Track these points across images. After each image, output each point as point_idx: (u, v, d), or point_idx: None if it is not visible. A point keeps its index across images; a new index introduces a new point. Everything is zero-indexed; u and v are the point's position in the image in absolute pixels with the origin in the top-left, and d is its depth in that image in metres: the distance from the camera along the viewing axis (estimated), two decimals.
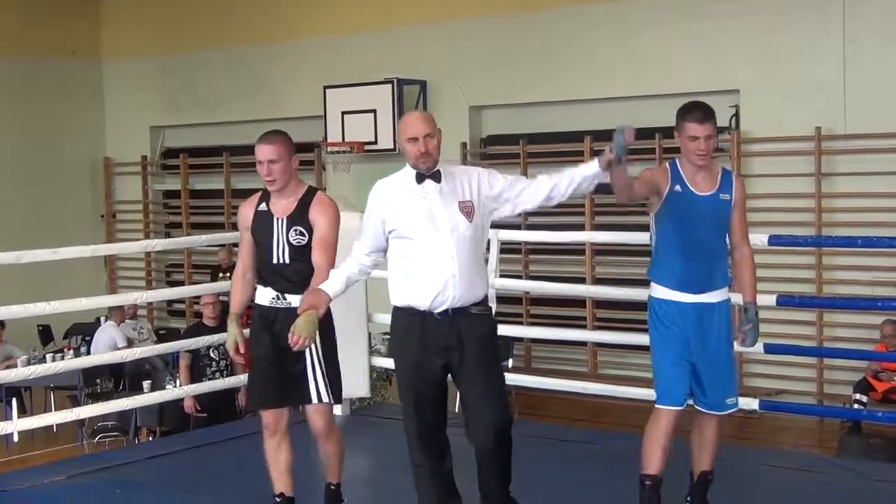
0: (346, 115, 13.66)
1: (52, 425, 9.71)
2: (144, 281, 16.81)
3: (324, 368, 4.65)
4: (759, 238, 8.06)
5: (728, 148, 11.67)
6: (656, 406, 4.76)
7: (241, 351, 4.81)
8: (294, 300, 4.53)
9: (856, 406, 10.24)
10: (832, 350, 10.93)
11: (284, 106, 14.81)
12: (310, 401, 4.67)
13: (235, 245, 15.66)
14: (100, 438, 10.33)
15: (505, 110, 13.51)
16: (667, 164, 4.84)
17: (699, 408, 4.80)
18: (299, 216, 4.65)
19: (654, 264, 4.85)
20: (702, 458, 4.83)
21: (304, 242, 4.63)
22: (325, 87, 13.80)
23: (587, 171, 4.64)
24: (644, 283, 5.06)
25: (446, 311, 4.41)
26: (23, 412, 10.65)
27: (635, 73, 11.99)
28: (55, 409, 10.50)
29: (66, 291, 7.14)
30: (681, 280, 4.70)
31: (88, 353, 11.32)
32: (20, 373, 8.04)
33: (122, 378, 11.27)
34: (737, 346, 4.97)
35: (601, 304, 12.12)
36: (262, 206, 4.74)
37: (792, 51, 11.20)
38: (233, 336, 4.82)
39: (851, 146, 10.96)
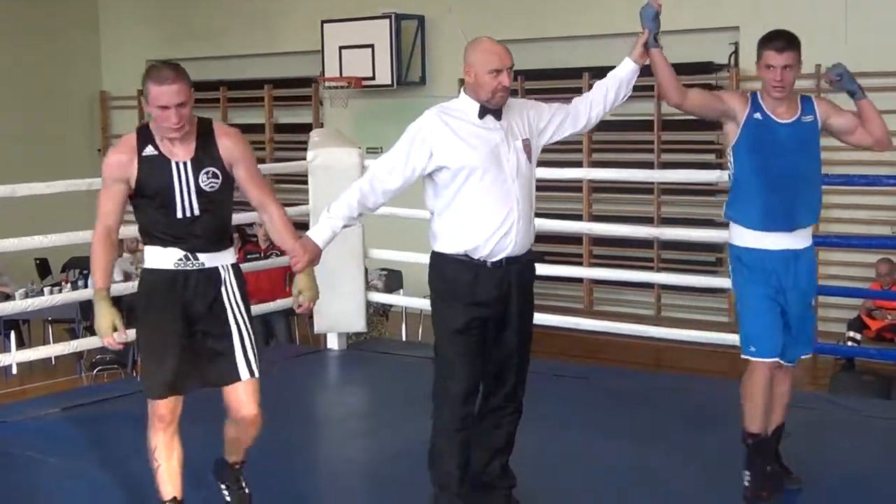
0: (343, 50, 13.63)
1: (51, 358, 9.79)
2: None
3: (251, 337, 3.91)
4: None
5: (727, 85, 11.65)
6: (751, 360, 4.45)
7: (123, 337, 3.81)
8: (207, 259, 3.82)
9: (849, 343, 10.31)
10: (827, 288, 10.95)
11: (283, 40, 14.76)
12: (238, 378, 3.86)
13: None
14: (98, 371, 10.39)
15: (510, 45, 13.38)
16: (748, 92, 4.61)
17: (781, 360, 4.49)
18: (206, 155, 3.81)
19: (733, 201, 4.56)
20: (775, 411, 4.55)
21: (217, 187, 3.80)
22: (323, 22, 13.73)
23: (622, 72, 4.45)
24: (637, 221, 4.97)
25: (501, 260, 4.03)
26: (21, 345, 10.67)
27: (633, 10, 11.85)
28: (53, 342, 10.53)
29: (63, 225, 7.09)
30: (764, 217, 4.40)
31: (86, 286, 11.28)
32: (18, 305, 8.09)
33: (120, 311, 11.26)
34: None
35: (598, 241, 12.13)
36: (150, 150, 3.78)
37: None
38: (109, 317, 3.78)
39: (872, 83, 10.90)
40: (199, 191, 3.75)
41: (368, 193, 4.07)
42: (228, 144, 3.86)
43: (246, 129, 15.95)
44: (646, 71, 4.52)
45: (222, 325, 3.83)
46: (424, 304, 8.45)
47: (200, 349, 3.85)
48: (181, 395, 3.89)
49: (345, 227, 4.10)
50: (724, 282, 10.77)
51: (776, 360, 4.44)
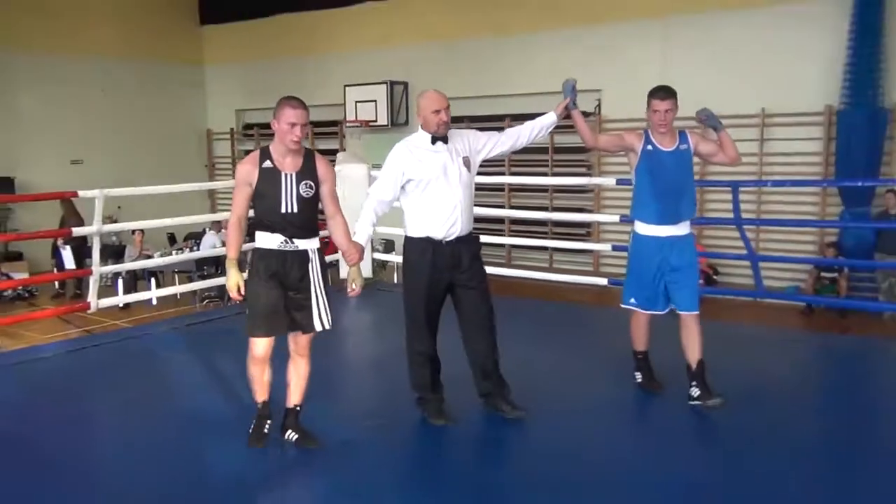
0: (357, 103, 13.64)
1: (177, 294, 9.76)
2: None
3: (325, 302, 3.66)
4: (609, 180, 8.13)
5: (594, 125, 11.68)
6: (634, 309, 4.28)
7: (242, 292, 3.55)
8: (300, 244, 3.57)
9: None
10: (766, 257, 11.08)
11: (320, 97, 14.65)
12: (313, 329, 3.63)
13: None
14: (206, 302, 10.38)
15: (456, 102, 13.32)
16: (641, 130, 4.29)
17: (679, 311, 4.18)
18: (307, 171, 3.57)
19: (636, 206, 4.25)
20: (693, 350, 4.16)
21: (311, 194, 3.56)
22: (345, 86, 13.69)
23: (545, 121, 4.28)
24: (538, 209, 4.87)
25: (452, 240, 3.85)
26: (158, 286, 10.64)
27: (542, 76, 11.91)
28: (178, 284, 10.52)
29: (184, 212, 7.12)
30: (657, 216, 4.14)
31: (199, 249, 11.26)
32: (157, 262, 8.08)
33: (219, 265, 11.27)
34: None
35: (514, 221, 12.19)
36: (267, 164, 3.55)
37: (632, 65, 11.17)
38: (235, 279, 3.53)
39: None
40: (298, 195, 3.52)
41: (377, 207, 3.93)
42: (323, 168, 3.62)
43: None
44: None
45: (308, 292, 3.58)
46: None
47: (290, 305, 3.56)
48: (271, 336, 3.57)
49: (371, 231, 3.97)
50: (591, 245, 10.97)
51: (647, 312, 4.25)
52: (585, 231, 11.99)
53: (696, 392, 4.08)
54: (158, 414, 4.13)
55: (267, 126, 15.85)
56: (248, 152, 16.38)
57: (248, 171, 3.55)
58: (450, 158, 3.87)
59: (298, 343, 3.68)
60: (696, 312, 4.15)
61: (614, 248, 7.33)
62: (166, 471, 3.44)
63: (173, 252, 11.58)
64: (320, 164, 3.62)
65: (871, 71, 9.53)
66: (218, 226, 12.21)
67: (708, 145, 4.29)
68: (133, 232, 11.61)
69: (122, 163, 14.24)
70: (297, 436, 3.67)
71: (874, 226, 9.67)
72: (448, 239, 3.85)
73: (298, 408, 3.72)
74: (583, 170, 11.95)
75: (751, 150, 10.45)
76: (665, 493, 3.18)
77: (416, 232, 3.91)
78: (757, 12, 10.29)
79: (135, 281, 11.20)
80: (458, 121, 13.12)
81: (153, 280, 10.90)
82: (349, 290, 3.77)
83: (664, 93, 4.15)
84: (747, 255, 6.10)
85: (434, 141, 3.87)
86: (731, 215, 6.31)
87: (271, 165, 3.55)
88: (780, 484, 3.21)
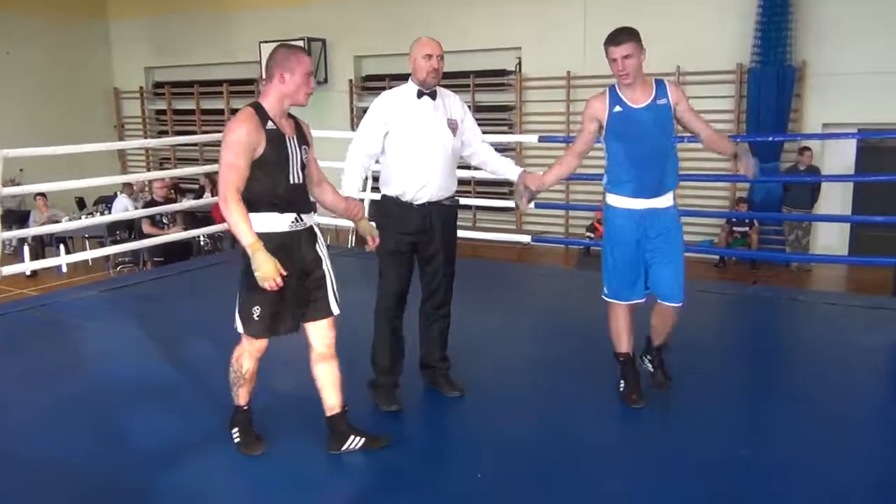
0: None
1: (88, 260, 9.37)
2: (145, 168, 16.09)
3: (334, 281, 3.10)
4: (531, 138, 8.18)
5: (514, 84, 11.71)
6: (611, 301, 3.56)
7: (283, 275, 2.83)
8: (307, 219, 3.01)
9: (587, 239, 10.63)
10: (574, 205, 11.29)
11: (234, 54, 14.21)
12: (331, 313, 3.06)
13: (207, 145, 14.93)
14: (119, 268, 10.02)
15: (376, 59, 13.15)
16: (606, 88, 3.52)
17: (659, 301, 3.52)
18: (300, 134, 3.01)
19: (608, 178, 3.48)
20: (660, 333, 3.65)
21: (306, 160, 3.01)
22: (261, 42, 13.23)
23: (510, 174, 3.76)
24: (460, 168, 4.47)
25: (424, 203, 3.50)
26: (68, 252, 10.20)
27: (461, 34, 11.80)
28: (89, 249, 10.11)
29: (93, 173, 6.77)
30: (634, 189, 3.39)
31: (110, 213, 10.81)
32: (65, 226, 7.72)
33: (132, 230, 10.87)
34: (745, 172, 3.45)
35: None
36: (270, 125, 2.89)
37: (554, 22, 11.19)
38: (272, 263, 2.78)
39: (589, 83, 11.13)
40: (301, 161, 2.96)
41: (363, 161, 3.54)
42: (308, 132, 3.09)
43: (211, 112, 15.52)
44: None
45: (321, 273, 3.04)
46: (331, 221, 8.38)
47: (304, 296, 3.01)
48: (277, 336, 3.03)
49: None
50: (509, 203, 11.04)
51: (629, 303, 3.55)
52: (508, 189, 12.05)
53: (649, 366, 3.75)
54: (71, 384, 3.96)
55: (180, 84, 15.52)
56: (159, 112, 16.00)
57: (253, 132, 2.83)
58: (434, 115, 3.53)
59: (327, 336, 3.09)
60: (680, 304, 3.49)
61: (537, 207, 7.42)
62: (81, 440, 3.31)
63: (83, 216, 11.09)
64: (306, 127, 3.10)
65: (780, 30, 9.82)
66: (130, 188, 11.76)
67: (688, 113, 3.48)
68: (35, 196, 11.06)
69: (23, 124, 13.49)
70: (362, 439, 3.14)
71: (781, 180, 10.05)
72: (418, 201, 3.51)
73: (346, 408, 3.17)
74: (504, 128, 11.98)
75: None
76: (592, 446, 3.25)
77: (389, 190, 3.58)
78: None
79: (42, 247, 10.71)
80: (379, 79, 13.09)
81: (62, 246, 10.44)
82: (370, 243, 3.37)
83: (621, 35, 3.38)
84: None
85: (420, 95, 3.54)
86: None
87: (274, 127, 2.90)
88: (689, 426, 3.32)
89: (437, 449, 3.32)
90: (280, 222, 2.92)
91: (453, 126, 3.58)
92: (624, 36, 3.36)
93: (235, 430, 3.20)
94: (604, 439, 3.29)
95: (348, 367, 3.24)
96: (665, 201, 3.44)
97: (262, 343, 3.05)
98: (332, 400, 3.14)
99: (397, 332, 3.64)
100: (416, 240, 3.56)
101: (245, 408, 3.18)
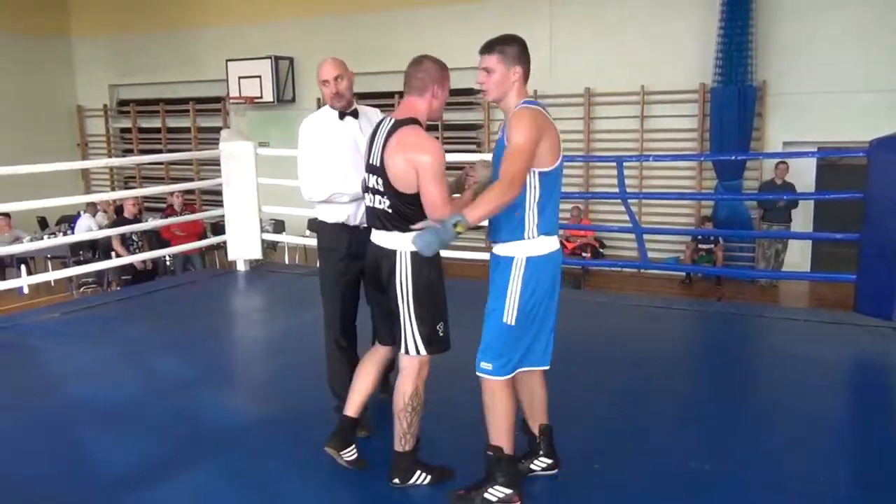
0: (241, 79, 13.20)
1: (51, 281, 9.24)
2: (109, 187, 15.90)
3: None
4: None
5: (482, 102, 11.81)
6: (499, 379, 2.75)
7: None
8: None
9: None
10: (651, 229, 11.34)
11: (202, 72, 14.14)
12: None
13: (174, 164, 14.76)
14: (83, 289, 9.87)
15: None
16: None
17: (527, 367, 2.82)
18: None
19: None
20: (539, 412, 2.99)
21: None
22: (227, 60, 13.22)
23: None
24: None
25: (365, 225, 3.05)
26: (29, 273, 10.02)
27: (428, 53, 11.85)
28: (52, 270, 9.95)
29: (55, 195, 6.67)
30: (490, 229, 2.82)
31: (73, 233, 10.66)
32: (27, 247, 7.59)
33: (96, 249, 10.73)
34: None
35: None
36: None
37: None
38: None
39: (558, 102, 11.26)
40: None
41: (311, 186, 3.39)
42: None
43: (177, 131, 15.39)
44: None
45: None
46: (299, 240, 8.23)
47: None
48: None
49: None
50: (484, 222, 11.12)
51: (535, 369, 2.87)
52: None
53: (544, 463, 3.02)
54: (33, 407, 3.89)
55: (145, 102, 15.41)
56: (124, 130, 15.85)
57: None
58: (361, 136, 3.37)
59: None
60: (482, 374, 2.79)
61: None
62: (43, 465, 3.25)
63: (45, 236, 10.92)
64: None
65: (741, 50, 10.05)
66: (94, 208, 11.63)
67: (503, 159, 2.67)
68: None
69: None
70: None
71: (749, 197, 10.25)
72: (363, 224, 3.24)
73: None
74: (473, 146, 12.06)
75: (632, 127, 10.85)
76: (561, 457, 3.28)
77: (329, 217, 3.44)
78: None
79: (2, 268, 10.51)
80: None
81: (23, 267, 10.26)
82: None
83: (482, 46, 2.81)
84: (632, 227, 6.33)
85: (342, 116, 3.43)
86: (614, 190, 6.51)
87: None
88: (654, 441, 3.36)
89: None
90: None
91: None
92: (485, 46, 2.79)
93: (421, 475, 2.94)
94: (571, 455, 3.32)
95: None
96: (504, 249, 2.77)
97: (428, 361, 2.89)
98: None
99: (345, 358, 3.45)
100: (361, 265, 3.15)
101: (418, 446, 2.95)
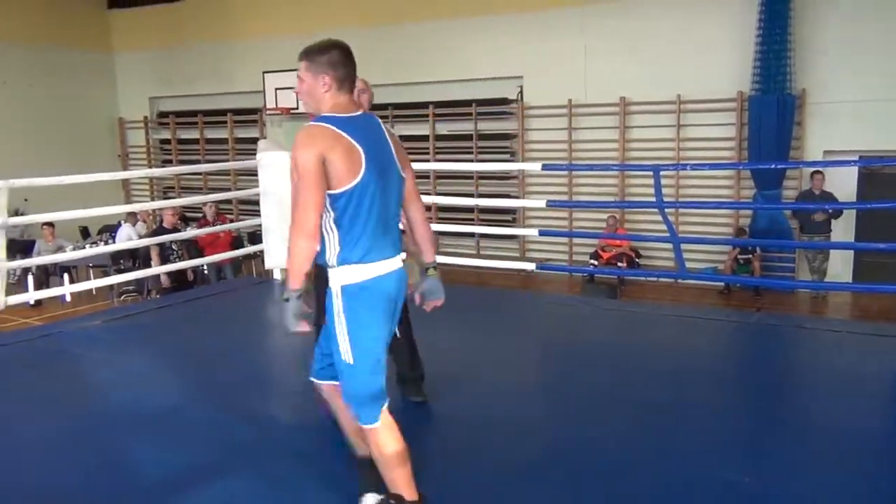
0: (277, 90, 13.35)
1: (92, 289, 9.42)
2: (149, 197, 16.20)
3: None
4: (534, 166, 8.20)
5: (516, 112, 11.81)
6: (374, 426, 2.54)
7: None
8: None
9: (591, 265, 10.65)
10: (578, 233, 11.33)
11: (239, 84, 14.35)
12: None
13: (212, 174, 14.99)
14: (123, 297, 10.06)
15: (380, 88, 13.21)
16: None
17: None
18: None
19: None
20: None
21: None
22: (264, 72, 13.38)
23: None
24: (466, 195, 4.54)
25: None
26: (72, 281, 10.25)
27: (464, 64, 11.93)
28: (94, 279, 10.17)
29: (97, 205, 6.82)
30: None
31: (114, 243, 10.88)
32: (70, 255, 7.75)
33: (136, 258, 10.93)
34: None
35: (441, 208, 12.22)
36: None
37: (554, 52, 11.31)
38: None
39: (593, 111, 11.22)
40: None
41: None
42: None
43: (215, 142, 15.61)
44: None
45: None
46: None
47: None
48: None
49: None
50: (519, 231, 11.13)
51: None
52: (511, 217, 12.12)
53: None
54: (75, 414, 3.96)
55: (184, 114, 15.69)
56: (163, 141, 16.16)
57: None
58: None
59: None
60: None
61: (541, 234, 7.46)
62: (84, 472, 3.31)
63: (87, 246, 11.15)
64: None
65: (780, 58, 9.92)
66: (133, 218, 11.84)
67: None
68: (43, 225, 11.13)
69: (27, 154, 13.61)
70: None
71: (787, 206, 10.09)
72: None
73: None
74: (506, 156, 12.06)
75: (668, 136, 10.76)
76: (592, 473, 3.25)
77: None
78: (671, 1, 10.56)
79: (46, 277, 10.75)
80: (381, 108, 13.20)
81: (66, 276, 10.49)
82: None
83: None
84: (670, 237, 6.26)
85: None
86: (650, 199, 6.45)
87: None
88: (692, 453, 3.32)
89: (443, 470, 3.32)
90: None
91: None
92: (300, 53, 2.64)
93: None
94: (603, 466, 3.29)
95: None
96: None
97: None
98: None
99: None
100: None
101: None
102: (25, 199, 11.56)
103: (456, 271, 9.16)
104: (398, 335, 3.38)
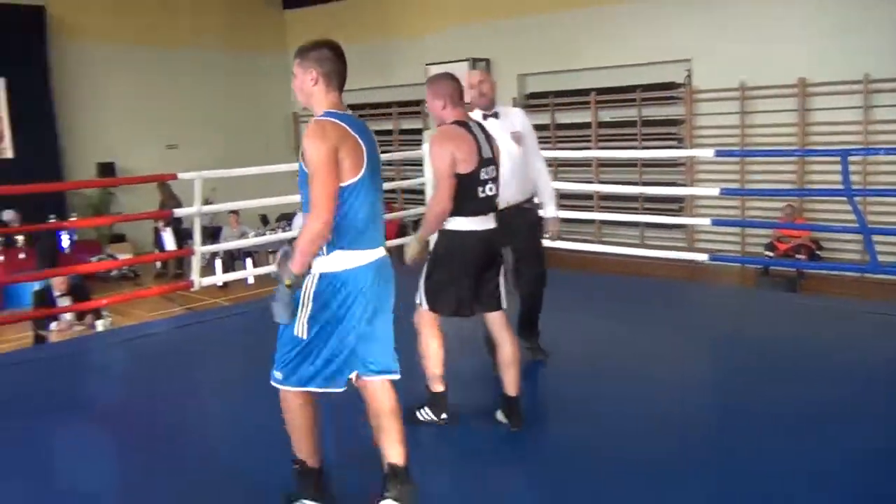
0: None
1: (271, 273, 10.02)
2: None
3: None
4: (706, 152, 7.87)
5: (684, 96, 11.37)
6: (290, 389, 2.74)
7: None
8: None
9: (766, 257, 10.12)
10: (757, 223, 10.79)
11: (403, 77, 14.78)
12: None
13: None
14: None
15: (539, 76, 13.20)
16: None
17: (314, 388, 2.75)
18: None
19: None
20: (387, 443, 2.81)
21: None
22: (427, 64, 13.65)
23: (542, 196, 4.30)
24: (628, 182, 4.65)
25: (503, 209, 3.65)
26: (255, 266, 10.97)
27: (626, 48, 11.61)
28: (272, 263, 10.83)
29: (275, 194, 7.30)
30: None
31: (290, 230, 11.52)
32: (252, 241, 8.30)
33: None
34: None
35: (603, 197, 11.98)
36: None
37: (723, 33, 10.77)
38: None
39: (768, 93, 10.60)
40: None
41: None
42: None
43: (380, 133, 16.10)
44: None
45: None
46: None
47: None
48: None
49: None
50: (689, 220, 10.74)
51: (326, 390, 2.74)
52: (678, 206, 11.68)
53: None
54: (266, 389, 4.22)
55: (349, 108, 16.29)
56: None
57: None
58: (502, 132, 3.91)
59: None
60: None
61: (714, 223, 7.14)
62: (275, 444, 3.51)
63: (267, 232, 11.88)
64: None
65: None
66: None
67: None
68: (229, 213, 11.98)
69: (214, 147, 14.70)
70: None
71: None
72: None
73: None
74: (673, 143, 11.63)
75: (854, 119, 9.97)
76: (760, 477, 3.08)
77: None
78: None
79: (232, 261, 11.56)
80: (541, 96, 13.15)
81: (248, 260, 11.22)
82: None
83: None
84: (859, 227, 5.80)
85: (486, 117, 3.94)
86: (832, 187, 6.00)
87: None
88: (871, 460, 3.06)
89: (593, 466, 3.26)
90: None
91: (517, 138, 4.01)
92: (295, 51, 2.82)
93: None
94: (759, 467, 3.10)
95: None
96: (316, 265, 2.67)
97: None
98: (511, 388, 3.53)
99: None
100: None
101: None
102: (213, 189, 12.50)
103: (618, 261, 8.96)
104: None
